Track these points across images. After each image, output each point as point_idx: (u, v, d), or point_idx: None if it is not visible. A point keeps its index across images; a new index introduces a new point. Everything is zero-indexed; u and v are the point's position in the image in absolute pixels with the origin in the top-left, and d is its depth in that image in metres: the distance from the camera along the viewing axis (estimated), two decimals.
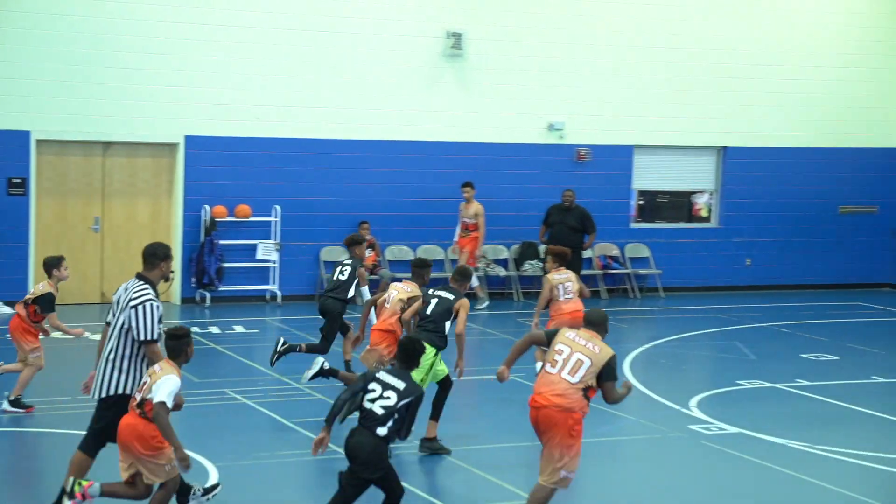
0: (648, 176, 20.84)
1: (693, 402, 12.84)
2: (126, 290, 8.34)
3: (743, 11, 20.81)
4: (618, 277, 20.56)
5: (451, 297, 10.75)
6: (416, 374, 9.68)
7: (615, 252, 20.52)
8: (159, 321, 8.25)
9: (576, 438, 8.11)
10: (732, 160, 21.05)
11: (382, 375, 7.99)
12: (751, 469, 10.54)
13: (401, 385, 7.91)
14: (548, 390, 8.14)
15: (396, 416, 7.82)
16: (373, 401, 7.87)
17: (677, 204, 21.38)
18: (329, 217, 18.80)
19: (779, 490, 10.06)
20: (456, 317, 10.62)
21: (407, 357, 8.17)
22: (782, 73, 21.08)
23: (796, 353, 15.69)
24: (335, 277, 13.08)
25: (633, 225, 20.87)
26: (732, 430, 11.78)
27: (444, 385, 10.64)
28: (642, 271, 20.59)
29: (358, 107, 18.94)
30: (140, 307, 8.16)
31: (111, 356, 8.25)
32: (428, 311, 10.68)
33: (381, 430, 7.80)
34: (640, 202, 21.07)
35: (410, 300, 11.06)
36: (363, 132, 19.02)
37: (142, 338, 8.16)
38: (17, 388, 11.55)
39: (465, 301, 10.70)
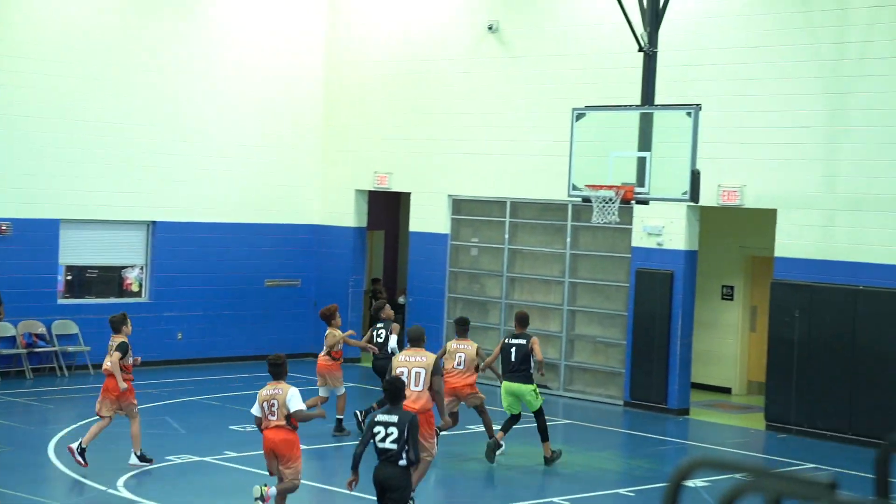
0: (77, 251, 20.34)
1: (120, 481, 12.64)
2: None
3: (168, 88, 21.13)
4: (44, 356, 19.75)
5: (524, 341, 14.17)
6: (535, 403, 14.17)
7: (41, 330, 19.72)
8: None
9: (431, 428, 11.88)
10: (162, 235, 21.18)
11: (380, 418, 9.75)
12: None
13: (395, 418, 9.68)
14: (408, 401, 11.12)
15: (406, 445, 9.60)
16: (383, 440, 9.65)
17: (107, 279, 21.05)
18: None
19: None
20: (533, 352, 14.10)
21: (393, 396, 9.93)
22: (209, 150, 21.64)
23: (225, 425, 15.98)
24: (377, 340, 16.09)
25: (61, 301, 20.22)
26: None
27: (539, 413, 14.19)
28: (70, 349, 19.97)
29: None
30: None
31: None
32: (512, 359, 14.13)
33: (402, 462, 9.66)
34: (69, 277, 20.49)
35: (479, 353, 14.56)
36: None
37: None
38: (137, 443, 13.20)
39: (535, 338, 14.27)
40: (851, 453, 15.62)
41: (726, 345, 20.75)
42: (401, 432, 9.57)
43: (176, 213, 21.32)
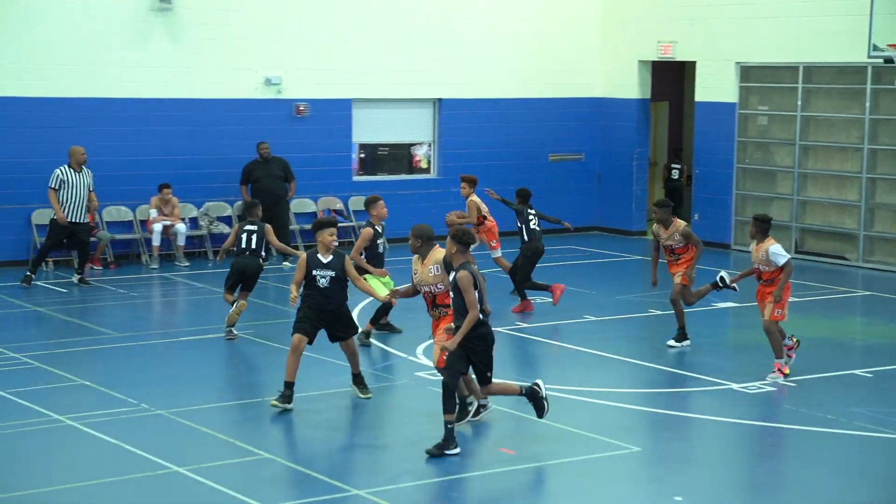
0: (368, 129, 21.03)
1: (419, 349, 13.16)
2: None
3: None
4: (342, 231, 20.65)
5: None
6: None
7: (339, 205, 20.64)
8: None
9: None
10: (448, 112, 21.55)
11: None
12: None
13: None
14: None
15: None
16: None
17: (398, 156, 21.70)
18: (40, 178, 17.86)
19: (501, 428, 10.50)
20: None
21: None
22: (491, 25, 21.70)
23: (514, 297, 16.28)
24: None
25: (356, 178, 21.04)
26: None
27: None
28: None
29: (64, 64, 18.15)
30: None
31: None
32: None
33: None
34: (362, 155, 21.26)
35: None
36: (71, 90, 18.24)
37: None
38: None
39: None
40: None
41: None
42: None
43: (460, 90, 21.60)
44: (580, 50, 22.67)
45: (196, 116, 19.21)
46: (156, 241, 18.56)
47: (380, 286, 12.67)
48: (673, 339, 13.44)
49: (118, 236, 18.66)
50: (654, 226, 13.51)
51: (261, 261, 13.98)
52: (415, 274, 10.36)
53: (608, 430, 10.38)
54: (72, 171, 16.62)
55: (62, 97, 18.19)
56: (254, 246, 13.88)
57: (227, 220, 19.66)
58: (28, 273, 16.57)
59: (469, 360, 9.67)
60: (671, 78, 24.09)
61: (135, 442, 9.73)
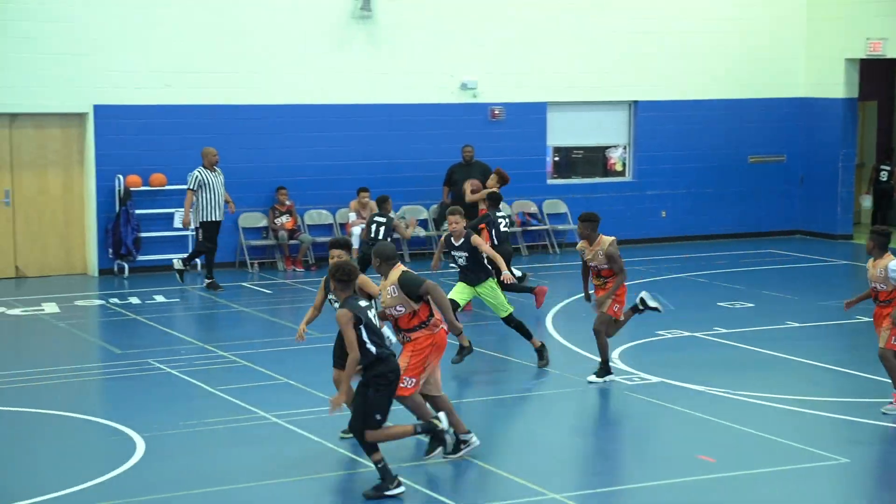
0: (563, 132, 20.98)
1: (615, 353, 13.02)
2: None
3: None
4: (536, 234, 20.72)
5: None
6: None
7: (533, 209, 20.65)
8: None
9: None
10: (644, 114, 21.28)
11: None
12: (672, 416, 10.76)
13: None
14: None
15: None
16: None
17: (592, 159, 21.57)
18: (245, 183, 18.60)
19: (701, 435, 10.29)
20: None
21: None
22: (689, 26, 21.32)
23: (713, 302, 15.96)
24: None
25: (550, 181, 21.01)
26: (654, 379, 11.99)
27: None
28: (560, 227, 20.77)
29: (269, 71, 18.78)
30: None
31: None
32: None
33: None
34: (556, 158, 21.21)
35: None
36: (275, 97, 18.86)
37: None
38: None
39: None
40: None
41: None
42: None
43: (657, 91, 21.30)
44: (783, 48, 22.03)
45: (393, 121, 19.57)
46: (354, 244, 18.97)
47: (463, 293, 12.39)
48: (594, 373, 11.87)
49: (319, 239, 19.16)
50: (580, 243, 11.99)
51: None
52: (379, 296, 9.49)
53: (814, 439, 10.03)
54: (207, 171, 17.10)
55: (266, 104, 18.81)
56: (380, 237, 15.09)
57: (423, 224, 19.94)
58: (209, 280, 17.15)
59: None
60: (881, 76, 23.15)
61: (336, 440, 9.95)
